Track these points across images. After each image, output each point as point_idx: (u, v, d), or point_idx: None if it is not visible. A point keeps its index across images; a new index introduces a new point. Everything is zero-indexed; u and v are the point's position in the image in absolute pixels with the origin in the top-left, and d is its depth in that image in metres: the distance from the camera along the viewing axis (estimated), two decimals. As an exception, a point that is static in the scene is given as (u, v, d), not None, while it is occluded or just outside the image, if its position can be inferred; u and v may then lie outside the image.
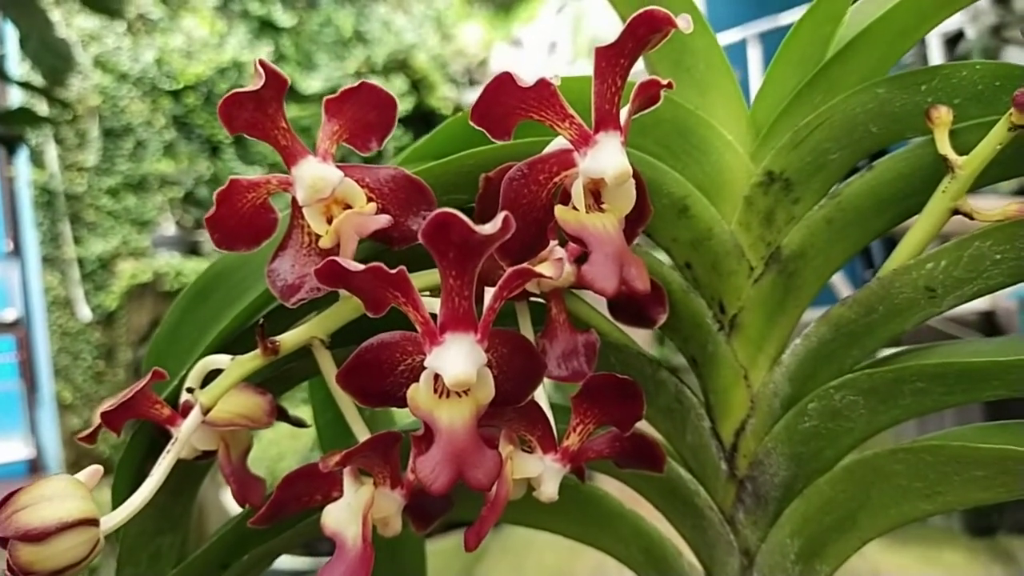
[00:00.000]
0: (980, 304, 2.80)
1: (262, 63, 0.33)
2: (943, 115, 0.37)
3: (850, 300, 0.38)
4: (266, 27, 4.75)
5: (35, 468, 4.26)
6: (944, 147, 0.37)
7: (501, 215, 0.27)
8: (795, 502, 0.40)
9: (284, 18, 4.75)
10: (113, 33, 4.41)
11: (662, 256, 0.42)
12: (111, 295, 4.34)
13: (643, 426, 0.38)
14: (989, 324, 2.80)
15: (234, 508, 2.70)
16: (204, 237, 4.57)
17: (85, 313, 4.33)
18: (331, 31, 4.85)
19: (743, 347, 0.41)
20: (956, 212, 0.37)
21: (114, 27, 4.39)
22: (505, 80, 0.31)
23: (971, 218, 0.37)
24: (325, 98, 0.35)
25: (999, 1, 3.32)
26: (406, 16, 5.15)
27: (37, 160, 4.20)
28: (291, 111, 4.61)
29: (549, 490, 0.36)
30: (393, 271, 0.28)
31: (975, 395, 0.37)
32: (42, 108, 3.28)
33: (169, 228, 4.54)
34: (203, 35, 4.63)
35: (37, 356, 4.38)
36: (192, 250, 4.54)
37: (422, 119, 4.80)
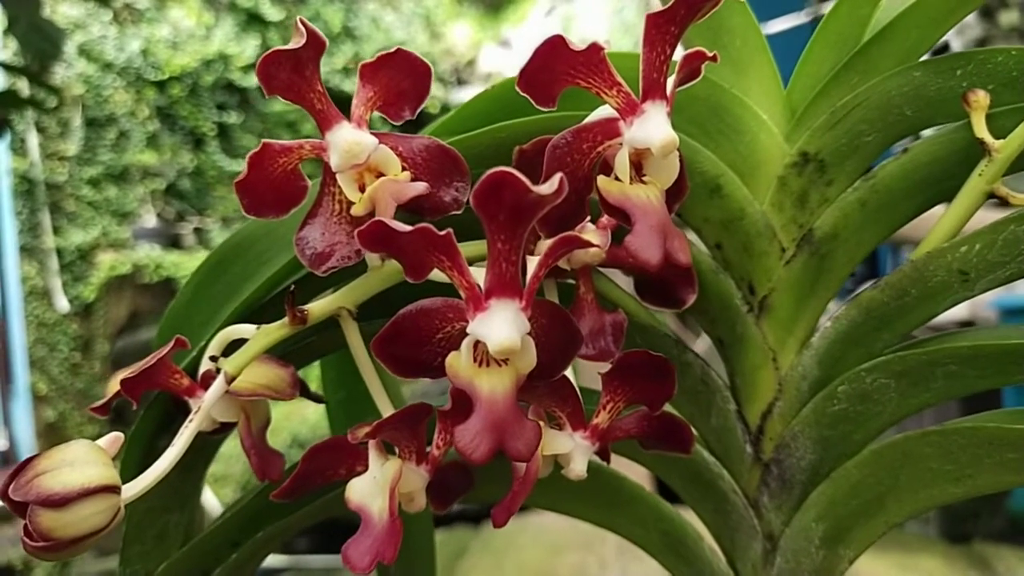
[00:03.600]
0: (960, 314, 2.82)
1: (303, 22, 0.32)
2: (980, 99, 0.37)
3: (882, 283, 0.38)
4: (253, 20, 4.72)
5: (8, 460, 4.20)
6: (981, 131, 0.37)
7: (556, 176, 0.26)
8: (821, 486, 0.40)
9: (272, 11, 4.72)
10: (99, 22, 4.37)
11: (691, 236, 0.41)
12: (89, 286, 4.29)
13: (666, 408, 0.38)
14: (969, 334, 2.82)
15: (210, 502, 2.66)
16: (185, 230, 4.54)
17: (62, 304, 4.27)
18: (319, 26, 4.77)
19: (772, 329, 0.41)
20: (991, 196, 0.37)
21: (100, 15, 4.34)
22: (556, 43, 0.30)
23: (1006, 202, 0.37)
24: (361, 63, 0.35)
25: (985, 15, 3.36)
26: (395, 13, 5.14)
27: (18, 148, 4.14)
28: (278, 105, 4.59)
29: (578, 467, 0.36)
30: (441, 233, 0.28)
31: (1007, 378, 0.37)
32: (25, 93, 3.23)
33: (150, 220, 4.50)
34: (190, 26, 4.59)
35: (12, 347, 4.32)
36: (173, 243, 4.50)
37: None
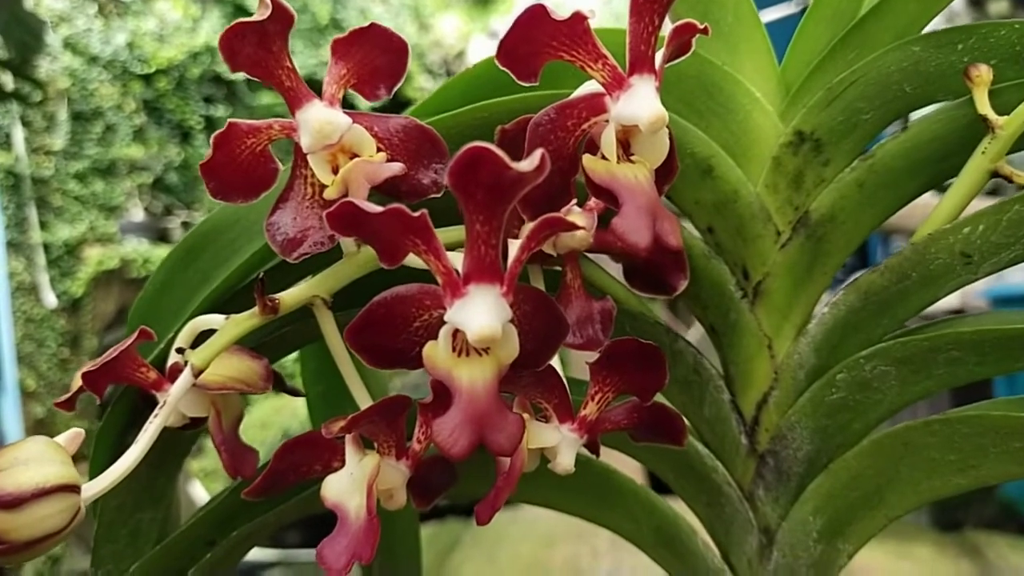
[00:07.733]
0: (951, 302, 2.82)
1: (269, -7, 0.30)
2: (983, 74, 0.35)
3: (882, 267, 0.37)
4: (240, 12, 4.67)
5: (-4, 457, 4.16)
6: (984, 107, 0.35)
7: (537, 152, 0.25)
8: (819, 478, 0.38)
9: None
10: (84, 15, 4.32)
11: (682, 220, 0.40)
12: (77, 281, 4.26)
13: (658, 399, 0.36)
14: (960, 322, 2.82)
15: (200, 498, 2.65)
16: (173, 224, 4.50)
17: (50, 299, 4.24)
18: (307, 18, 4.79)
19: (767, 315, 0.39)
20: (995, 175, 0.36)
21: (85, 8, 4.29)
22: (537, 12, 0.28)
23: (1010, 181, 0.35)
24: (333, 39, 0.33)
25: (974, 4, 3.36)
26: (384, 5, 5.10)
27: (3, 142, 4.10)
28: (265, 97, 4.55)
29: (566, 461, 0.34)
30: (415, 214, 0.26)
31: (1009, 365, 0.35)
32: (8, 86, 3.19)
33: (137, 214, 4.46)
34: (176, 19, 4.54)
35: (0, 343, 4.28)
36: (161, 237, 4.46)
37: (398, 109, 4.73)
